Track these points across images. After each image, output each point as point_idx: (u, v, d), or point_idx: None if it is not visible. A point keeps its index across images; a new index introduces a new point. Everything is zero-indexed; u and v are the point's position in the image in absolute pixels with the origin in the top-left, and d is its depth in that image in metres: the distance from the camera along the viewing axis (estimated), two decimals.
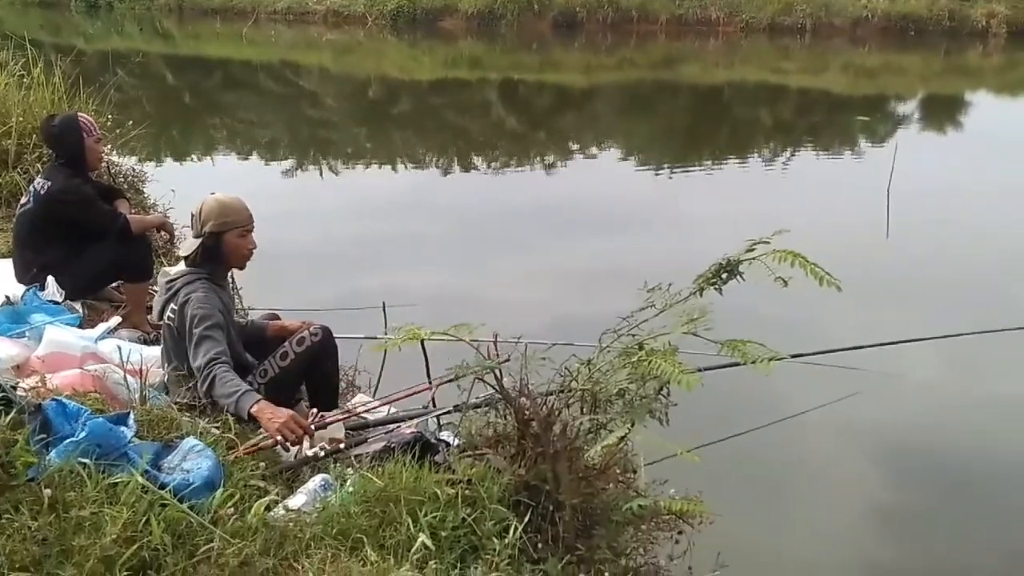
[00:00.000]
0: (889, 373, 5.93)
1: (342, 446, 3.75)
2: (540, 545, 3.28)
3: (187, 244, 4.35)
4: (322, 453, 3.67)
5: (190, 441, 3.38)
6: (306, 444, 3.70)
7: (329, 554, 2.90)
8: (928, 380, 6.40)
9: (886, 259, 9.15)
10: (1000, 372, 6.63)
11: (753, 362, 3.35)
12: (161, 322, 4.34)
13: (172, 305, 4.23)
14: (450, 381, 3.76)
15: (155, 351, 4.64)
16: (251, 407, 3.70)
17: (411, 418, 4.08)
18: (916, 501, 5.20)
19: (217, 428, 3.67)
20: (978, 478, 5.39)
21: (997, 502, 5.20)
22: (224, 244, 4.28)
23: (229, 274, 4.64)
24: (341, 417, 4.16)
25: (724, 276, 3.60)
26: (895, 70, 25.39)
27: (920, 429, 5.90)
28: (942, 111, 20.70)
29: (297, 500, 3.27)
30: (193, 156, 14.64)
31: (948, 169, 13.62)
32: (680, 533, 3.73)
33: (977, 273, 8.87)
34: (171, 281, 4.29)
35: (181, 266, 4.39)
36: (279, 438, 3.58)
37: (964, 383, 6.51)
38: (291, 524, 3.07)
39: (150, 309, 5.74)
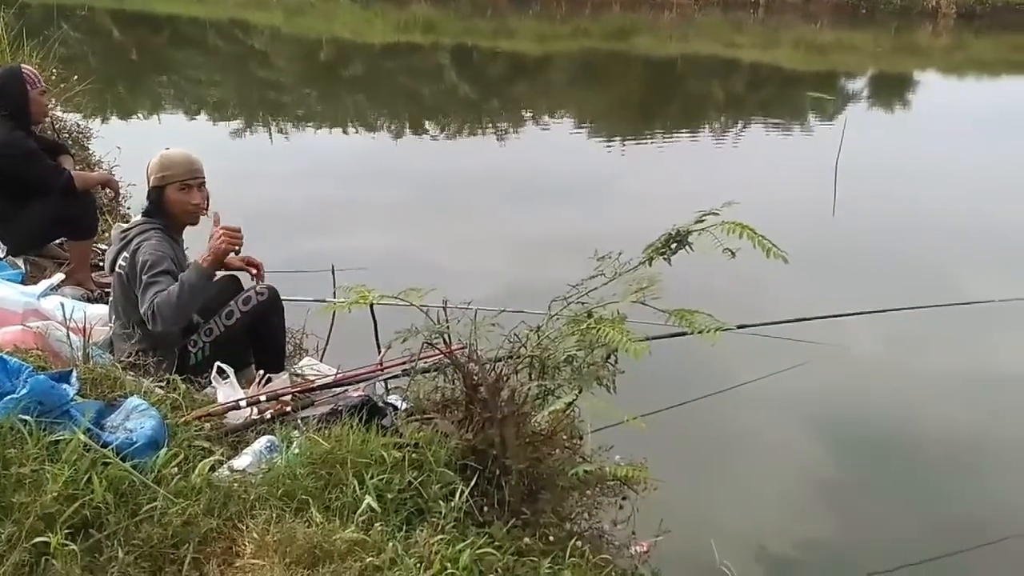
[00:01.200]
0: (833, 345, 6.01)
1: (289, 408, 3.73)
2: (486, 508, 3.29)
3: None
4: (268, 416, 3.65)
5: (134, 400, 3.34)
6: (252, 411, 3.69)
7: (274, 515, 2.89)
8: (870, 353, 6.51)
9: (832, 234, 9.28)
10: (938, 346, 6.78)
11: (700, 332, 3.39)
12: (112, 274, 4.28)
13: (124, 254, 4.18)
14: (400, 343, 3.74)
15: (99, 309, 4.59)
16: (203, 268, 3.95)
17: (359, 381, 4.06)
18: (853, 470, 5.32)
19: (162, 388, 3.64)
20: (913, 449, 5.52)
21: (930, 472, 5.34)
22: (165, 198, 4.27)
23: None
24: (290, 387, 4.13)
25: (673, 246, 3.62)
26: (846, 47, 25.60)
27: (860, 401, 6.01)
28: (891, 89, 20.95)
29: (242, 461, 3.24)
30: (140, 114, 14.40)
31: (895, 147, 13.81)
32: (624, 499, 3.76)
33: (920, 249, 9.03)
34: (126, 231, 4.26)
35: (138, 219, 4.36)
36: (224, 247, 3.96)
37: (904, 357, 6.64)
38: (236, 485, 3.05)
39: (94, 267, 5.67)
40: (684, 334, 3.61)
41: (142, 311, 3.99)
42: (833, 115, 16.49)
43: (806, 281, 7.11)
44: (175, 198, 4.28)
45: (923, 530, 4.81)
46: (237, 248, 4.13)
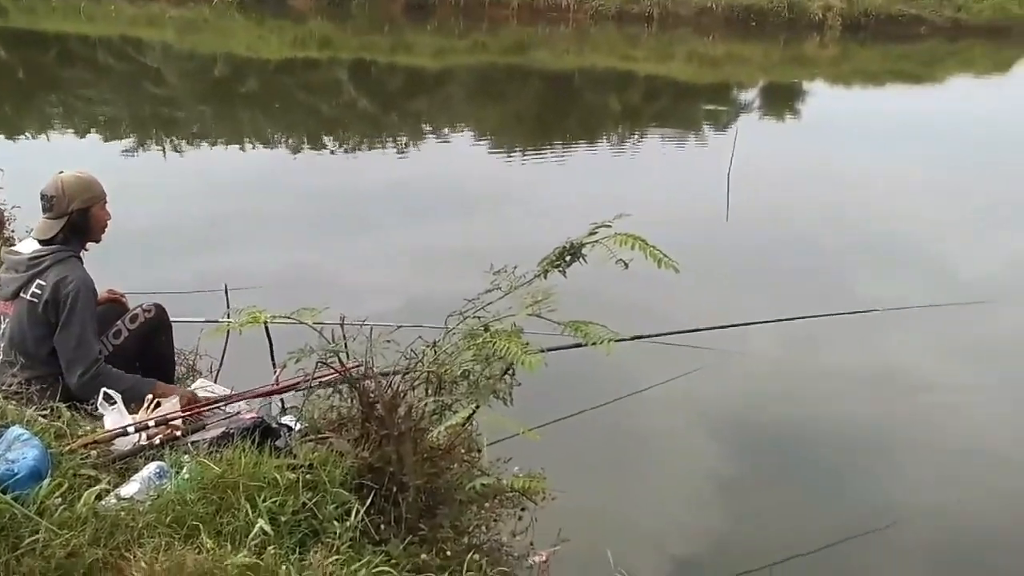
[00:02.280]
0: (727, 351, 6.14)
1: (179, 433, 3.65)
2: (383, 527, 3.27)
3: (44, 226, 4.17)
4: (158, 441, 3.57)
5: (15, 430, 3.23)
6: (141, 436, 3.60)
7: (163, 543, 2.82)
8: (764, 357, 6.66)
9: (726, 240, 9.48)
10: (829, 349, 6.96)
11: (595, 343, 3.43)
12: (14, 300, 4.13)
13: (39, 281, 4.05)
14: (294, 363, 3.69)
15: None
16: (151, 390, 3.97)
17: (252, 396, 4.00)
18: (749, 469, 5.44)
19: (44, 417, 3.53)
20: (806, 447, 5.70)
21: (822, 468, 5.50)
22: (91, 218, 4.21)
23: None
24: (184, 411, 4.04)
25: (568, 259, 3.65)
26: (737, 59, 26.19)
27: (755, 403, 6.15)
28: (781, 99, 21.49)
29: (130, 488, 3.16)
30: (27, 133, 13.98)
31: (786, 154, 14.19)
32: (523, 510, 3.78)
33: (810, 254, 9.29)
34: (38, 257, 4.10)
35: (32, 244, 4.21)
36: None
37: (797, 359, 6.81)
38: (123, 513, 2.97)
39: None
40: (580, 345, 3.65)
41: (81, 354, 4.00)
42: (726, 125, 16.85)
43: (701, 287, 7.24)
44: (99, 215, 4.25)
45: (817, 521, 4.96)
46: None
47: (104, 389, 3.83)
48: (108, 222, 4.31)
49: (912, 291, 7.71)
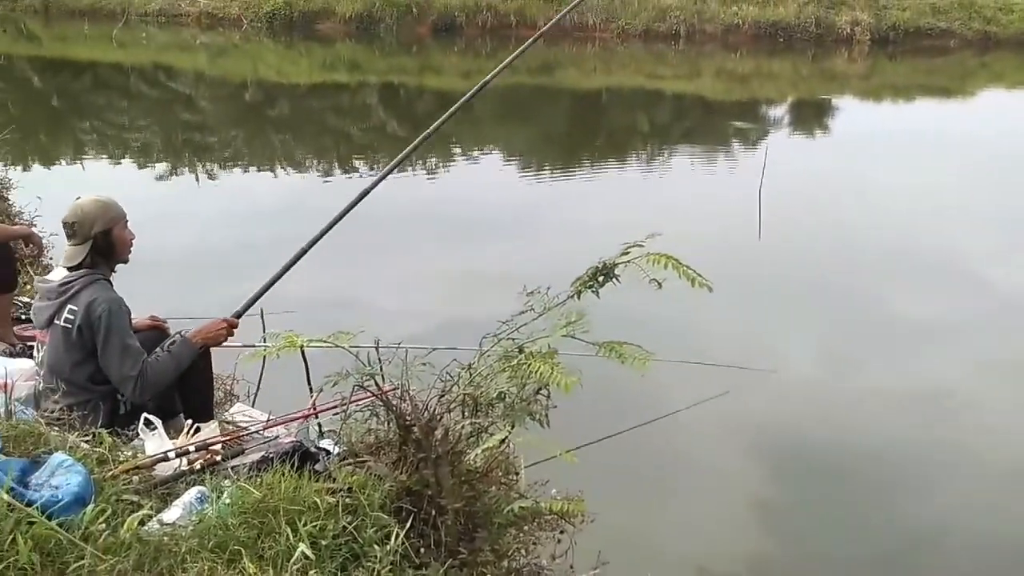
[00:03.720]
0: (763, 370, 6.11)
1: (219, 458, 3.68)
2: (423, 550, 3.28)
3: (70, 253, 4.25)
4: (198, 467, 3.60)
5: (59, 456, 3.27)
6: (182, 462, 3.64)
7: (206, 567, 2.84)
8: (798, 375, 6.61)
9: (759, 258, 9.43)
10: (864, 367, 6.90)
11: (632, 362, 3.42)
12: (48, 327, 4.19)
13: (71, 306, 4.12)
14: (331, 387, 3.71)
15: (21, 364, 4.48)
16: (194, 348, 4.29)
17: (290, 421, 4.03)
18: (788, 492, 5.39)
19: (87, 443, 3.57)
20: (849, 469, 5.61)
21: (867, 491, 5.43)
22: (114, 239, 4.28)
23: None
24: (219, 435, 4.08)
25: (600, 279, 3.66)
26: (766, 75, 26.12)
27: (791, 423, 6.11)
28: (811, 115, 21.40)
29: (172, 514, 3.19)
30: (61, 161, 14.18)
31: (817, 170, 14.10)
32: (562, 532, 3.78)
33: (844, 270, 9.21)
34: (68, 283, 4.17)
35: (61, 272, 4.28)
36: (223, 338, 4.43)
37: (831, 378, 6.77)
38: (166, 538, 3.00)
39: (15, 320, 5.54)
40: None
41: (126, 374, 4.07)
42: (756, 142, 16.80)
43: (735, 306, 7.21)
44: (122, 235, 4.32)
45: (857, 545, 4.88)
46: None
47: (146, 415, 3.88)
48: (133, 241, 4.39)
49: (949, 309, 7.64)
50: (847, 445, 5.89)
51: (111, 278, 4.39)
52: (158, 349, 4.31)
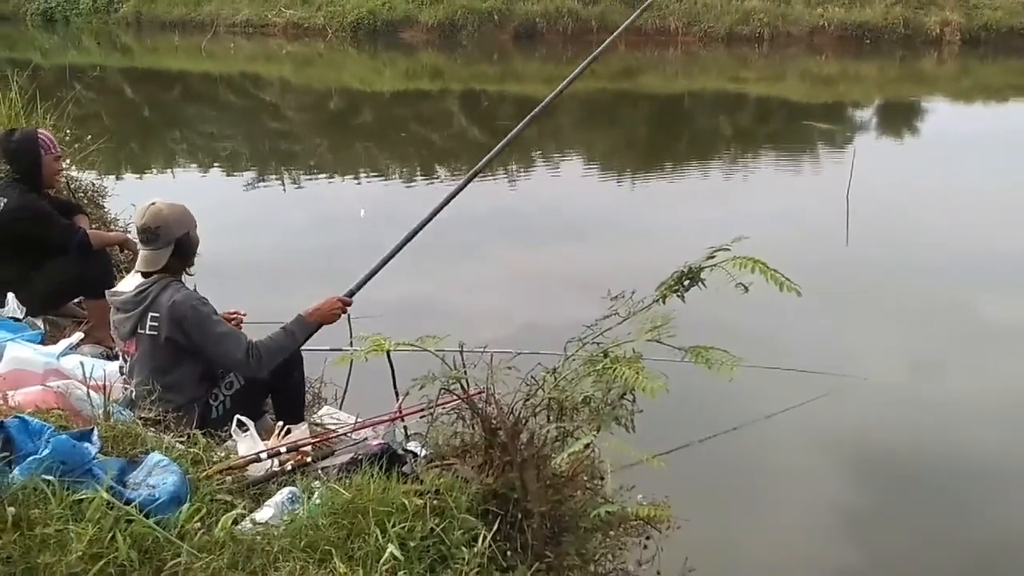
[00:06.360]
0: (853, 376, 6.00)
1: (309, 459, 3.74)
2: (509, 553, 3.29)
3: (150, 257, 4.29)
4: (289, 467, 3.66)
5: (155, 456, 3.35)
6: (273, 462, 3.70)
7: (298, 566, 2.89)
8: (891, 383, 6.48)
9: (847, 264, 9.26)
10: (959, 373, 6.73)
11: (719, 367, 3.39)
12: (132, 337, 4.29)
13: (152, 313, 4.20)
14: (417, 390, 3.74)
15: (118, 367, 4.60)
16: (310, 325, 4.51)
17: (377, 423, 4.07)
18: (880, 502, 5.27)
19: (182, 443, 3.65)
20: (941, 479, 5.47)
21: (959, 502, 5.28)
22: (192, 241, 4.40)
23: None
24: (310, 437, 4.15)
25: (686, 283, 3.63)
26: (852, 78, 25.66)
27: (883, 431, 5.97)
28: (899, 118, 20.96)
29: (264, 513, 3.25)
30: (153, 169, 14.56)
31: (906, 175, 13.79)
32: (648, 538, 3.75)
33: (936, 276, 8.99)
34: (143, 291, 4.25)
35: (134, 279, 4.37)
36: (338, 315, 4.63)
37: (924, 384, 6.61)
38: (259, 537, 3.06)
39: None
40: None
41: (234, 357, 4.22)
42: (842, 145, 16.51)
43: (822, 312, 7.09)
44: (197, 239, 4.44)
45: (950, 560, 4.76)
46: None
47: (238, 416, 3.95)
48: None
49: None
50: (938, 454, 5.75)
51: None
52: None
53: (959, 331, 6.97)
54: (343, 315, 4.66)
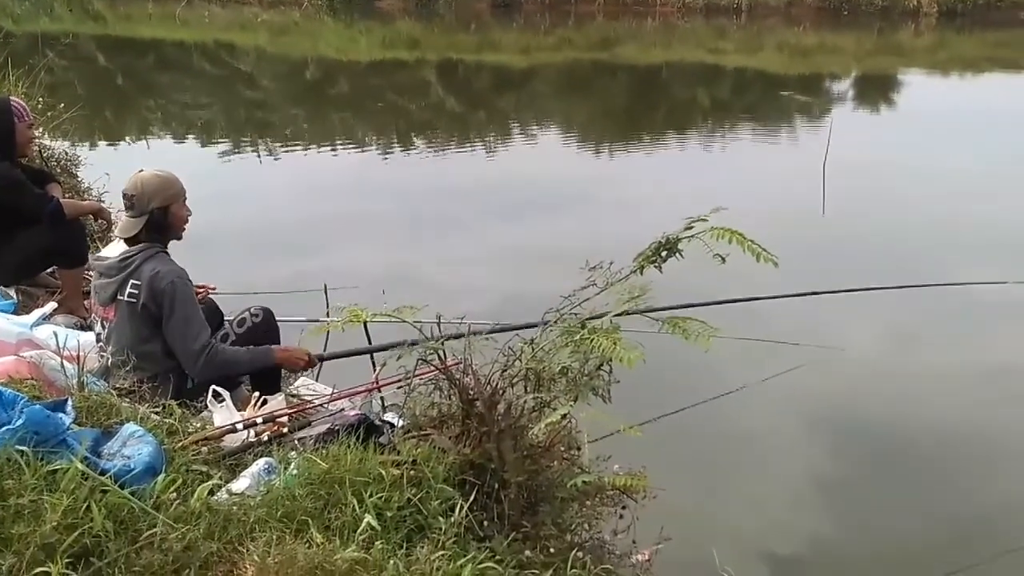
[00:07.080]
0: (827, 347, 6.03)
1: (285, 430, 3.73)
2: (486, 523, 3.30)
3: (127, 224, 4.27)
4: (265, 438, 3.65)
5: (130, 427, 3.33)
6: (249, 433, 3.69)
7: (274, 537, 2.88)
8: (865, 353, 6.52)
9: (823, 234, 9.30)
10: (933, 342, 6.78)
11: (696, 338, 3.40)
12: (112, 303, 4.26)
13: (134, 280, 4.16)
14: (395, 360, 3.73)
15: (92, 337, 4.57)
16: (270, 360, 4.37)
17: (354, 394, 4.07)
18: (856, 472, 5.31)
19: (157, 414, 3.63)
20: (916, 449, 5.51)
21: (934, 471, 5.34)
22: (171, 216, 4.30)
23: None
24: (287, 407, 4.14)
25: (663, 254, 3.62)
26: (829, 49, 25.70)
27: (859, 401, 6.02)
28: (876, 89, 21.03)
29: (241, 484, 3.24)
30: (127, 139, 14.42)
31: (882, 146, 13.86)
32: (624, 508, 3.77)
33: (912, 246, 9.04)
34: (128, 258, 4.21)
35: (119, 246, 4.33)
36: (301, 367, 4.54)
37: (899, 354, 6.66)
38: (235, 508, 3.04)
39: (86, 294, 5.65)
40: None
41: (191, 348, 4.15)
42: (819, 117, 16.55)
43: (799, 283, 7.11)
44: (180, 213, 4.34)
45: (925, 527, 4.81)
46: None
47: (214, 387, 3.94)
48: (188, 218, 4.41)
49: (1017, 287, 7.45)
50: (913, 426, 5.79)
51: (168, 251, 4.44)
52: (222, 333, 4.42)
53: (935, 303, 7.00)
54: (305, 369, 4.68)
